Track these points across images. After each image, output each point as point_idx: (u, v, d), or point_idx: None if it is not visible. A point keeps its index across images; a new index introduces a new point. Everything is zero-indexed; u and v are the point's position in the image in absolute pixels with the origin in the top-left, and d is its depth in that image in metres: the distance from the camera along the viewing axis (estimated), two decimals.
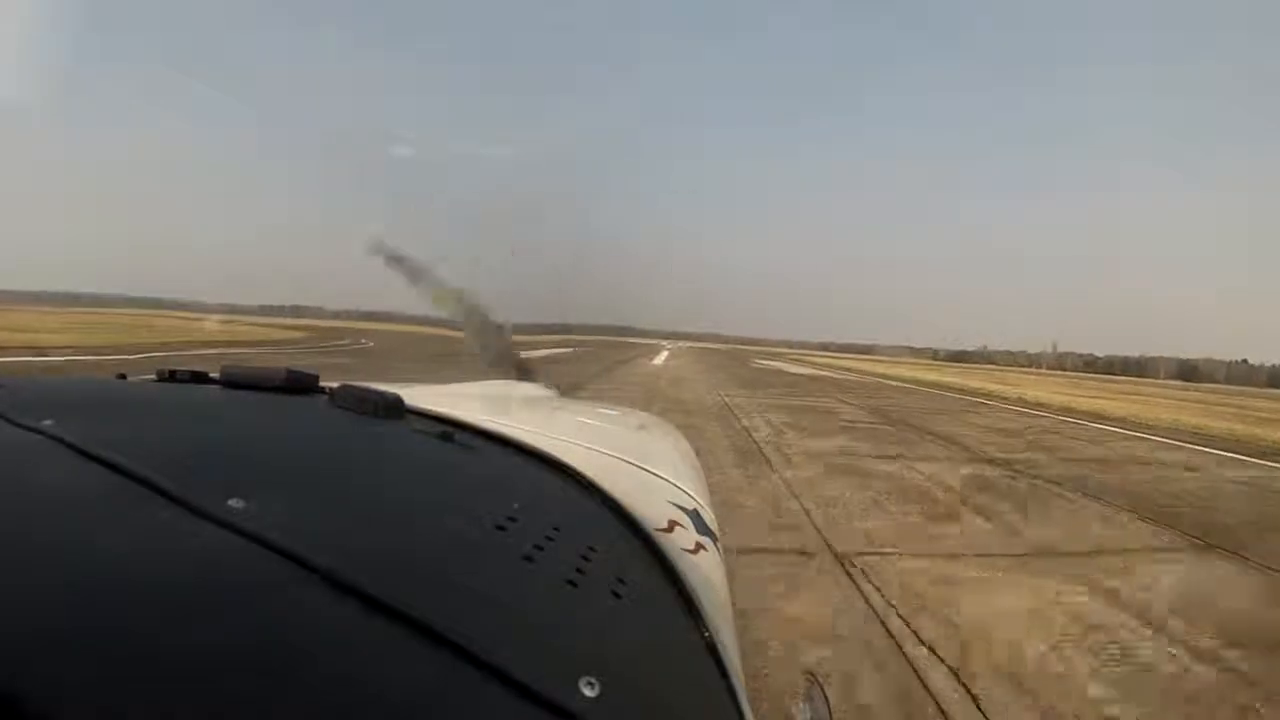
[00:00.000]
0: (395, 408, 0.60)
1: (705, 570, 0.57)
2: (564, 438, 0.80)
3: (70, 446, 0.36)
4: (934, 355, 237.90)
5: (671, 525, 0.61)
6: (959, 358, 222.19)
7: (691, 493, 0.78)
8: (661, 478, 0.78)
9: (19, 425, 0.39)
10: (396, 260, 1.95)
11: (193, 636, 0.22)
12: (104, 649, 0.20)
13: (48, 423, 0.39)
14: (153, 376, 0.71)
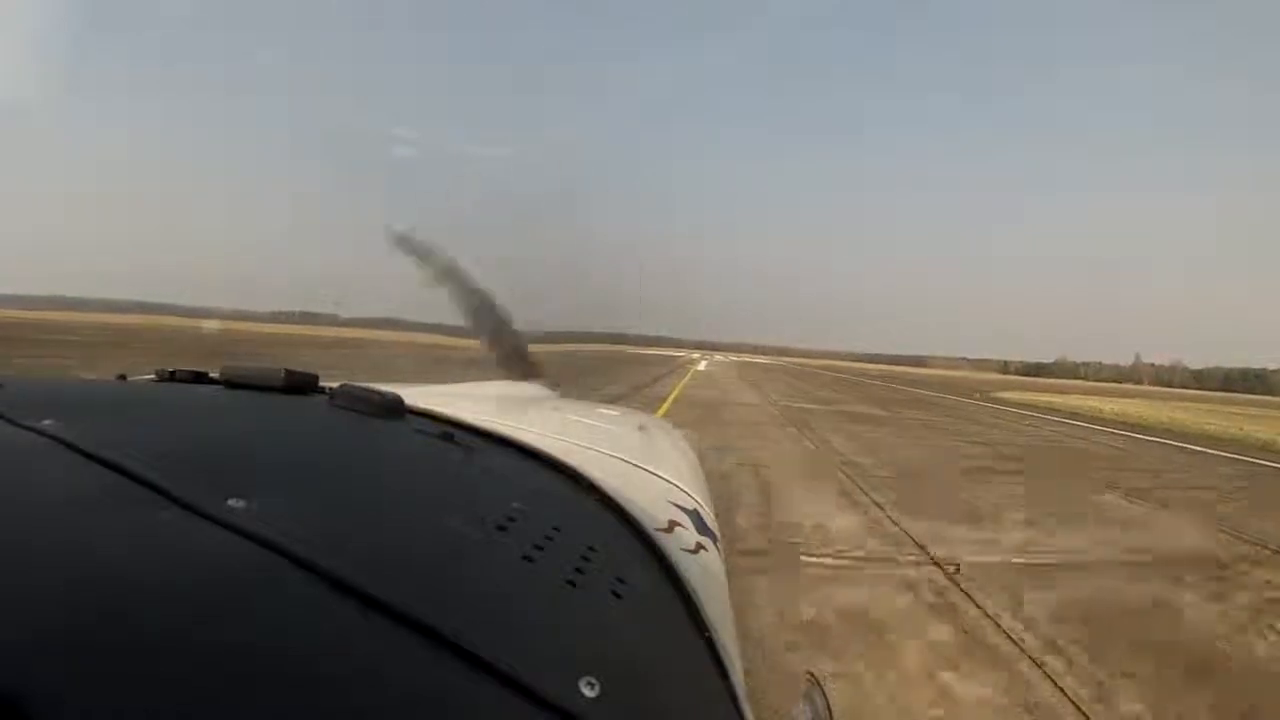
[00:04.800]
0: (395, 408, 0.65)
1: (705, 570, 0.60)
2: (564, 438, 0.84)
3: (70, 446, 0.39)
4: (1003, 368, 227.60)
5: (671, 525, 0.64)
6: (1036, 371, 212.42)
7: (691, 493, 0.81)
8: (662, 478, 0.82)
9: (19, 425, 0.42)
10: (420, 254, 2.07)
11: (193, 636, 0.23)
12: (104, 649, 0.21)
13: (48, 423, 0.43)
14: (152, 376, 0.78)
